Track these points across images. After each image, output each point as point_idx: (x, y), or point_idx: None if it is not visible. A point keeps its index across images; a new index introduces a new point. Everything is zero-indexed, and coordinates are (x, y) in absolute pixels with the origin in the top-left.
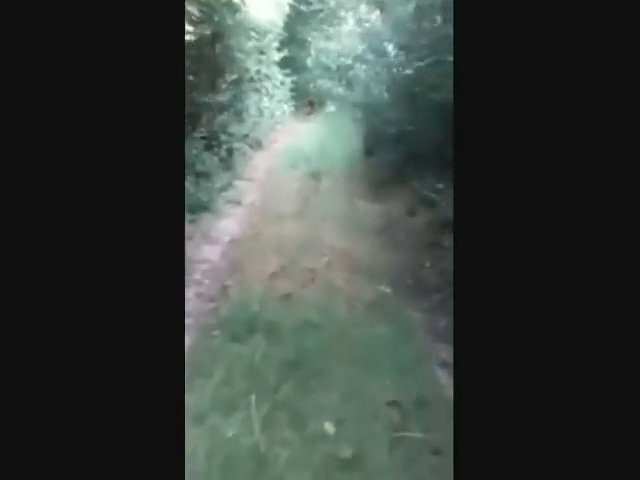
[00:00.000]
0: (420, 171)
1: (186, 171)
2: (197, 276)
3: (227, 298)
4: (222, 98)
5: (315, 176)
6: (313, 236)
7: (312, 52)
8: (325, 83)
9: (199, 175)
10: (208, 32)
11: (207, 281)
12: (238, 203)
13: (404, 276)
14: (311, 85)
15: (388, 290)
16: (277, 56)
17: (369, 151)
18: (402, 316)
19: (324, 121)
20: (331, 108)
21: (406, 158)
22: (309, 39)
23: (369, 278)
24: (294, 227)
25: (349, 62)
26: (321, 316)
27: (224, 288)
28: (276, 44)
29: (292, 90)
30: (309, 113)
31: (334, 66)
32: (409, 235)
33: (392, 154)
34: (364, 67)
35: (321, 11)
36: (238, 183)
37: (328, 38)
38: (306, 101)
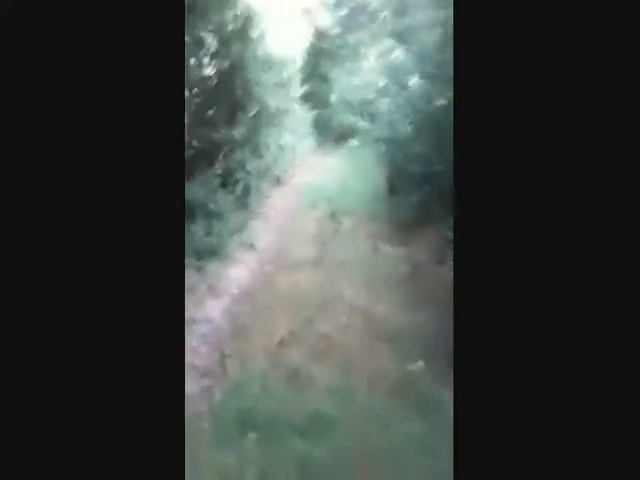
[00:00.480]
0: (449, 212)
1: (197, 212)
2: (194, 342)
3: (224, 374)
4: (240, 133)
5: (335, 216)
6: (331, 289)
7: (335, 87)
8: (348, 118)
9: (211, 215)
10: (226, 65)
11: (204, 349)
12: (251, 246)
13: (437, 341)
14: (334, 120)
15: (419, 365)
16: (298, 91)
17: (392, 189)
18: (437, 400)
19: (346, 157)
20: (354, 143)
21: (433, 197)
22: (331, 75)
23: (394, 345)
24: (310, 277)
25: (372, 96)
26: (335, 405)
27: (222, 359)
28: (297, 79)
29: (314, 125)
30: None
31: (356, 100)
32: (439, 286)
33: (418, 192)
34: (387, 100)
35: (343, 47)
36: (253, 223)
37: (351, 72)
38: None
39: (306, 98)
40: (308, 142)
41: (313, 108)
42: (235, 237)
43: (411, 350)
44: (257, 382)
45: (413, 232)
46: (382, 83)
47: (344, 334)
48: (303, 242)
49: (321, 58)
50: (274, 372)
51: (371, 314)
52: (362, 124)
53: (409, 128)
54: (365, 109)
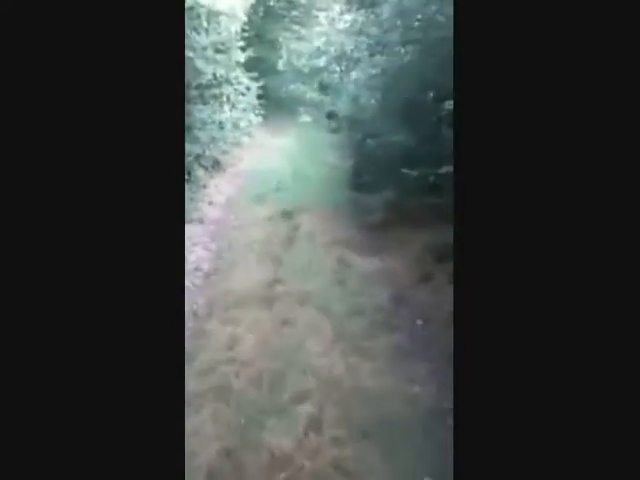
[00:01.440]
0: (432, 213)
1: None
2: None
3: None
4: None
5: (289, 217)
6: (288, 347)
7: (284, 52)
8: (299, 88)
9: None
10: None
11: None
12: None
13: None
14: (283, 90)
15: None
16: (241, 56)
17: (358, 182)
18: None
19: (299, 136)
20: (306, 119)
21: (410, 193)
22: (280, 39)
23: (389, 459)
24: (256, 324)
25: (330, 64)
26: None
27: None
28: (240, 42)
29: (260, 97)
30: None
31: (307, 68)
32: (431, 323)
33: (391, 186)
34: (349, 68)
35: (294, 6)
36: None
37: (304, 35)
38: None
39: (250, 64)
40: (254, 116)
41: (261, 77)
42: None
43: (413, 464)
44: None
45: (387, 238)
46: (345, 47)
47: (312, 449)
48: (248, 260)
49: (269, 17)
50: None
51: (350, 392)
52: (317, 96)
53: (373, 103)
54: (321, 79)
